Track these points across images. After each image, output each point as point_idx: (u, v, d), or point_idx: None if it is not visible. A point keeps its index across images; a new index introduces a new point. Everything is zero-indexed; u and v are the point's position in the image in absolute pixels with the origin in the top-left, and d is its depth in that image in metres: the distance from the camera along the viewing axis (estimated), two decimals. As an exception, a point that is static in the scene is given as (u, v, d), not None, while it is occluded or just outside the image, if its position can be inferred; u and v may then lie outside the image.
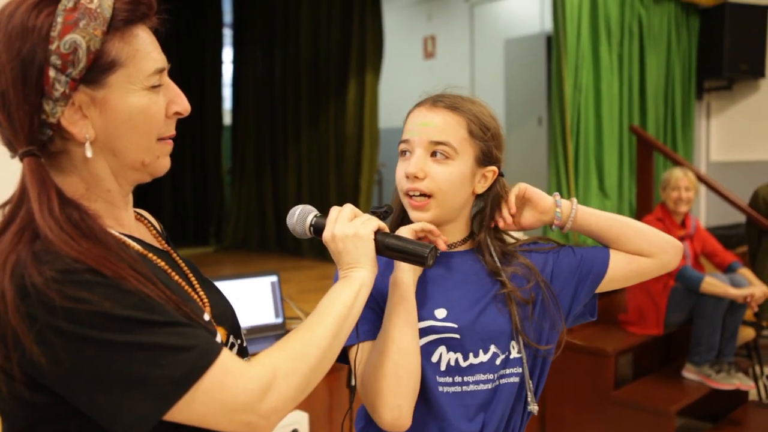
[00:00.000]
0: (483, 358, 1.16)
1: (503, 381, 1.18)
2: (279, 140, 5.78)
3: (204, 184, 6.62)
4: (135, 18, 0.84)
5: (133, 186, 0.92)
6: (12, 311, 0.74)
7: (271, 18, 5.82)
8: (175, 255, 0.99)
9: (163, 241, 1.00)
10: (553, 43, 4.49)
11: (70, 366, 0.75)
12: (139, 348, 0.76)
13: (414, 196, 1.17)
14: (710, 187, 4.20)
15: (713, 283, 3.21)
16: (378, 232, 1.05)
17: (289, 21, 5.67)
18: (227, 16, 6.79)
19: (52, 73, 0.80)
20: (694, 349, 3.31)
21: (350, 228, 1.03)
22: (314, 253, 5.23)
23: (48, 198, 0.79)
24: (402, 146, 1.20)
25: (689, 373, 3.34)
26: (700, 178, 4.04)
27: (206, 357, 0.79)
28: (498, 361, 1.17)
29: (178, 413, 0.78)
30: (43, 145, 0.82)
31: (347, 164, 5.06)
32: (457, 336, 1.15)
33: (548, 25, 5.86)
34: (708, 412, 3.58)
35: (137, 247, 0.90)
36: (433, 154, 1.16)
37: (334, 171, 5.22)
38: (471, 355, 1.16)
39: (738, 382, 3.22)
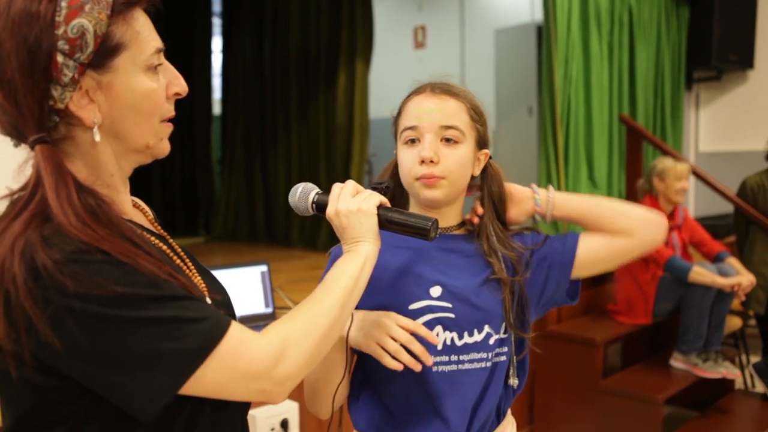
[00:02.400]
0: (477, 337, 1.19)
1: (497, 360, 1.21)
2: (269, 130, 5.75)
3: (193, 174, 6.59)
4: (134, 1, 0.85)
5: (132, 169, 0.93)
6: (23, 294, 0.73)
7: (261, 7, 5.79)
8: (171, 241, 0.99)
9: (159, 227, 1.01)
10: (543, 34, 4.49)
11: (86, 347, 0.75)
12: (154, 322, 0.77)
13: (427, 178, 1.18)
14: (699, 177, 4.22)
15: (701, 273, 3.23)
16: (380, 207, 1.07)
17: (279, 10, 5.64)
18: (216, 5, 6.75)
19: (60, 58, 0.79)
20: (682, 338, 3.33)
21: (353, 203, 1.05)
22: (304, 243, 5.23)
23: (65, 184, 0.79)
24: (408, 133, 1.19)
25: (677, 362, 3.37)
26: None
27: (219, 327, 0.81)
28: (491, 341, 1.20)
29: (194, 384, 0.79)
30: (47, 132, 0.82)
31: (337, 154, 5.05)
32: (452, 315, 1.18)
33: (538, 15, 5.85)
34: (695, 400, 3.62)
35: (140, 231, 0.90)
36: (444, 138, 1.18)
37: (324, 161, 5.20)
38: (466, 333, 1.18)
39: (725, 370, 3.25)
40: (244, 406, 0.98)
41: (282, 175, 5.63)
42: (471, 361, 1.18)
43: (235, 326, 0.83)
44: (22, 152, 0.85)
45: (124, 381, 0.76)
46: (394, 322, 1.10)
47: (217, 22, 6.83)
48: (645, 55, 5.07)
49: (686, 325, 3.31)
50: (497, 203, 1.26)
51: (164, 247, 0.93)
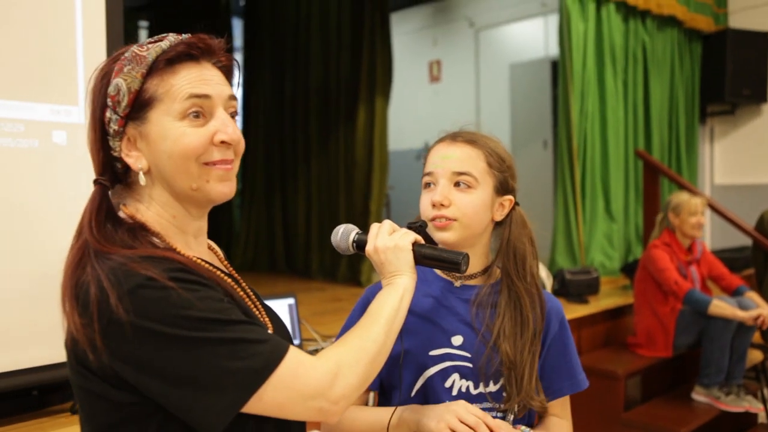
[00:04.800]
0: (492, 388, 1.24)
1: (508, 414, 1.24)
2: (289, 163, 5.85)
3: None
4: (176, 58, 0.94)
5: (203, 212, 1.01)
6: (106, 317, 0.83)
7: (282, 43, 5.93)
8: (242, 281, 1.07)
9: (231, 268, 1.09)
10: (559, 70, 4.58)
11: (160, 365, 0.83)
12: (221, 343, 0.85)
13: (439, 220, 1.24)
14: (716, 210, 4.26)
15: (721, 306, 3.25)
16: (415, 244, 1.14)
17: (300, 46, 5.77)
18: (237, 40, 6.91)
19: (108, 113, 0.95)
20: (704, 372, 3.34)
21: (390, 240, 1.12)
22: (324, 274, 5.28)
23: (92, 215, 0.93)
24: (426, 179, 1.28)
25: (699, 396, 3.37)
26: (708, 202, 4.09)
27: (280, 348, 0.89)
28: (505, 393, 1.23)
29: (257, 402, 0.86)
30: (120, 177, 0.98)
31: (356, 187, 5.12)
32: (470, 365, 1.23)
33: (552, 50, 5.96)
34: (717, 434, 3.61)
35: (206, 265, 0.98)
36: (457, 184, 1.25)
37: (343, 194, 5.28)
38: (482, 384, 1.23)
39: (747, 404, 3.25)
40: (303, 428, 1.05)
41: (302, 208, 5.71)
42: (485, 409, 1.22)
43: (293, 350, 0.90)
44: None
45: (194, 397, 0.84)
46: (464, 409, 1.16)
47: (238, 57, 6.98)
48: (659, 90, 5.14)
49: (707, 359, 3.32)
50: (514, 251, 1.28)
51: (235, 285, 1.01)
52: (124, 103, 0.92)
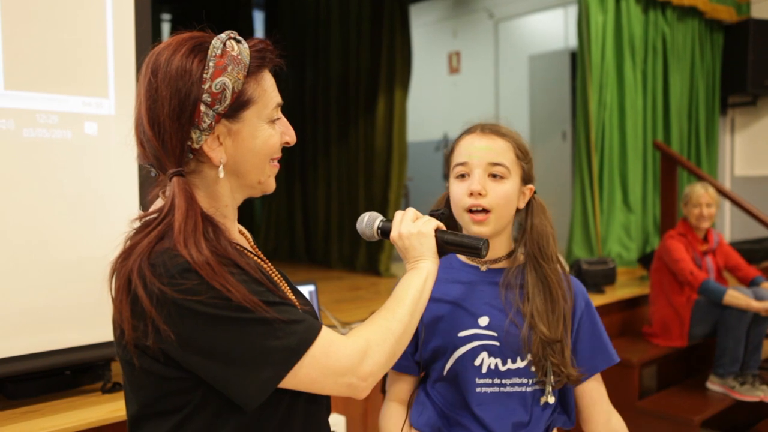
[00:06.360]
0: (519, 364, 1.31)
1: (537, 387, 1.32)
2: (309, 154, 5.92)
3: (234, 196, 6.78)
4: (265, 64, 1.03)
5: (242, 200, 1.09)
6: (156, 297, 0.89)
7: (302, 35, 5.99)
8: (268, 263, 1.14)
9: (259, 251, 1.16)
10: (578, 61, 4.59)
11: (204, 342, 0.90)
12: (260, 323, 0.92)
13: (476, 211, 1.31)
14: (734, 202, 4.26)
15: (736, 296, 3.28)
16: (437, 230, 1.20)
17: (320, 38, 5.83)
18: (258, 32, 6.98)
19: (202, 108, 0.96)
20: (719, 361, 3.37)
21: (414, 227, 1.19)
22: (343, 264, 5.36)
23: (194, 213, 0.95)
24: (460, 169, 1.33)
25: (713, 385, 3.40)
26: (723, 193, 4.10)
27: (314, 328, 0.96)
28: (533, 368, 1.31)
29: (292, 378, 0.93)
30: (183, 167, 0.99)
31: (376, 178, 5.19)
32: (497, 343, 1.30)
33: (572, 41, 5.95)
34: (732, 423, 3.63)
35: (243, 249, 1.04)
36: (491, 174, 1.31)
37: (363, 184, 5.35)
38: (509, 360, 1.31)
39: (762, 394, 3.27)
40: (329, 404, 1.12)
41: (322, 198, 5.78)
42: (513, 385, 1.31)
43: (325, 329, 0.97)
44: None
45: (236, 373, 0.91)
46: None
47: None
48: (679, 81, 5.13)
49: (722, 348, 3.35)
50: (538, 237, 1.36)
51: (265, 267, 1.08)
52: (227, 102, 0.97)
